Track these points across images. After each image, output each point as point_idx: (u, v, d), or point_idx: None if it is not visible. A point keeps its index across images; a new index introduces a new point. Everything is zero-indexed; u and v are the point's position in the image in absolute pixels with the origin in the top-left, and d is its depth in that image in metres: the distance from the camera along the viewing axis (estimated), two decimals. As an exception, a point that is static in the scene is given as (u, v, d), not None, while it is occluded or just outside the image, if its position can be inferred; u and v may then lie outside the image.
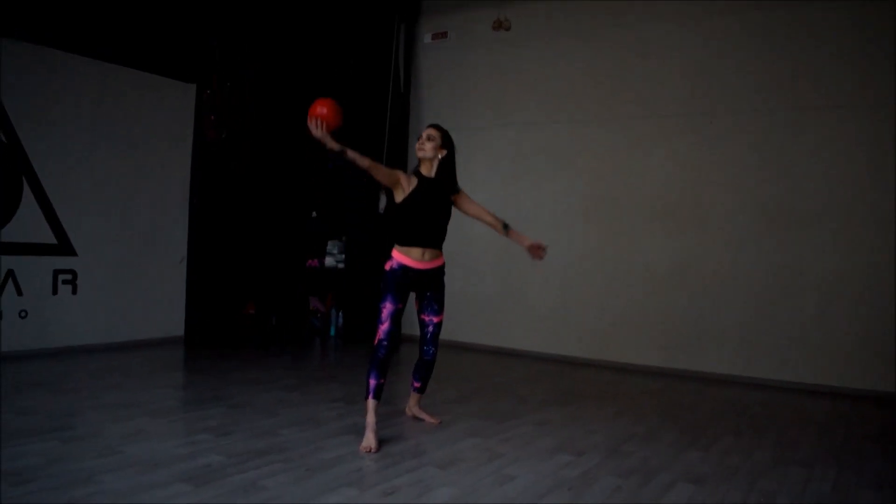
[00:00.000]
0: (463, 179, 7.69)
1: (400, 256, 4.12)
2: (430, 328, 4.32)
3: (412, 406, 4.61)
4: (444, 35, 8.00)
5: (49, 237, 6.15)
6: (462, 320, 7.83)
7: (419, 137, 4.20)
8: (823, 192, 6.16)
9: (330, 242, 8.20)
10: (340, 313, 8.22)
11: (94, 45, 6.39)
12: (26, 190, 6.00)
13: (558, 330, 7.33)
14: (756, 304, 6.40)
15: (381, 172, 4.02)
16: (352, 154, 3.84)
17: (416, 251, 4.11)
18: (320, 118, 3.77)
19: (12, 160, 5.90)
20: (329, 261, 8.17)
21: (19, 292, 5.96)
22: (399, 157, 7.97)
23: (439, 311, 4.29)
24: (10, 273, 5.90)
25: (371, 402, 4.02)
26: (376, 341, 4.06)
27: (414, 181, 4.11)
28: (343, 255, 8.08)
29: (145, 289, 6.86)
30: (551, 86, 7.42)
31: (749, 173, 6.46)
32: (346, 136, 7.91)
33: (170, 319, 7.10)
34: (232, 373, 5.78)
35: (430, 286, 4.23)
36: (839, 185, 6.10)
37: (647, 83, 6.92)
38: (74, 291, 6.33)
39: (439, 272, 4.24)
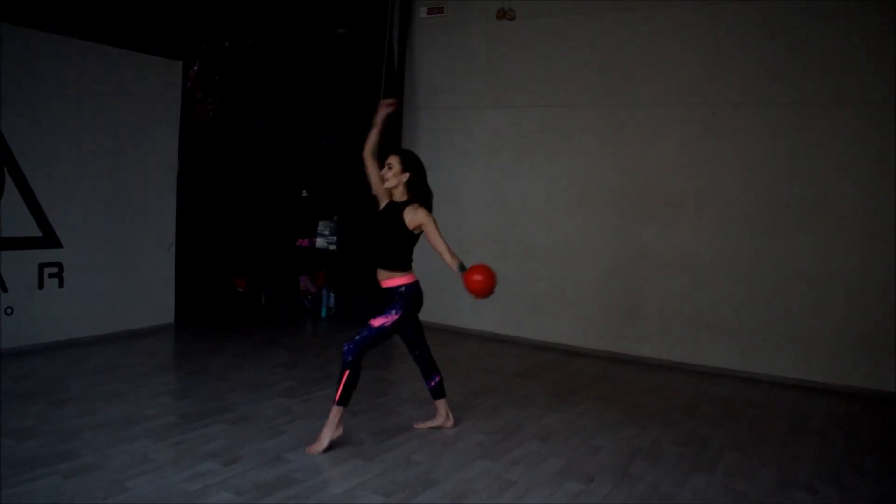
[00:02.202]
0: (459, 160, 7.64)
1: None
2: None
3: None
4: (440, 11, 7.71)
5: (33, 230, 5.94)
6: (455, 305, 7.77)
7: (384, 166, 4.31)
8: (831, 185, 6.11)
9: (321, 223, 8.05)
10: (332, 294, 8.12)
11: (72, 23, 6.08)
12: (8, 181, 5.76)
13: (552, 317, 7.29)
14: (754, 297, 6.38)
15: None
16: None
17: (378, 272, 4.35)
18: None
19: (-7, 151, 5.66)
20: (320, 241, 8.03)
21: (4, 289, 5.78)
22: (392, 135, 7.76)
23: (376, 317, 4.25)
24: (-5, 269, 5.72)
25: None
26: None
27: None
28: (335, 237, 7.93)
29: (134, 277, 6.69)
30: (552, 66, 7.21)
31: (755, 165, 6.37)
32: (341, 112, 7.77)
33: (160, 306, 6.96)
34: (228, 373, 5.68)
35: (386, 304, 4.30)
36: (847, 180, 6.04)
37: (653, 69, 6.73)
38: (61, 285, 6.16)
39: (392, 294, 4.27)
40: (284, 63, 7.95)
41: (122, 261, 6.56)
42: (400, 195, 4.30)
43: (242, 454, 4.03)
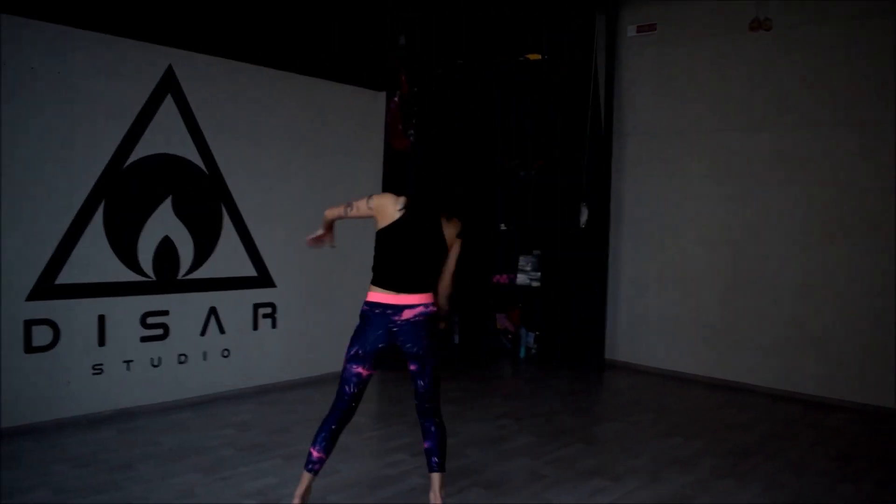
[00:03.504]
0: (674, 189, 6.96)
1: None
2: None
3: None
4: (651, 28, 7.08)
5: (249, 269, 5.74)
6: (675, 347, 7.02)
7: None
8: None
9: (522, 258, 7.53)
10: (531, 334, 7.57)
11: (283, 56, 5.91)
12: (226, 220, 5.58)
13: (792, 363, 6.38)
14: None
15: (360, 208, 3.44)
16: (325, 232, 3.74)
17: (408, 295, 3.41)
18: None
19: (213, 189, 5.49)
20: (521, 278, 7.50)
21: (221, 330, 5.58)
22: (600, 164, 7.18)
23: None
24: (213, 311, 5.52)
25: None
26: None
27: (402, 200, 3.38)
28: (539, 273, 7.39)
29: (339, 318, 6.33)
30: (784, 82, 6.39)
31: None
32: (545, 145, 7.26)
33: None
34: (452, 425, 5.16)
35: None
36: None
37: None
38: (274, 325, 5.92)
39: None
40: (482, 92, 7.55)
41: (327, 302, 6.27)
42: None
43: (515, 530, 3.50)
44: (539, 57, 7.55)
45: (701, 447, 4.88)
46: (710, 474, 4.38)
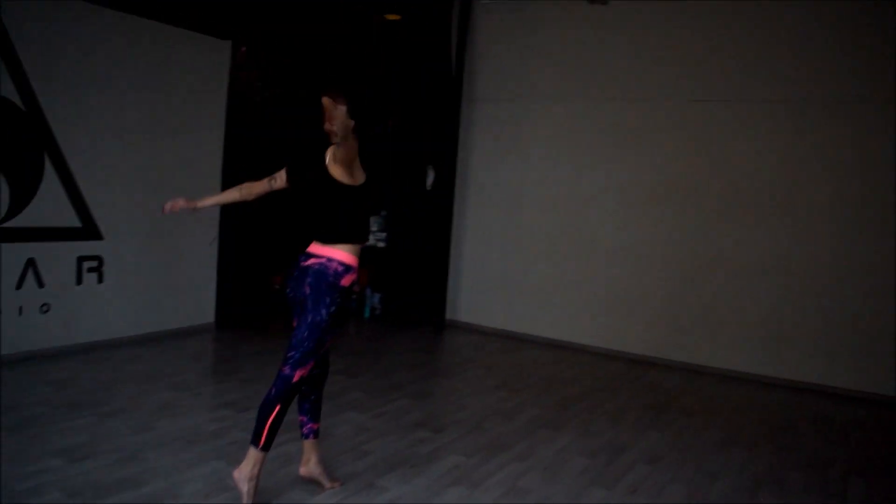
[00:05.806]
0: (520, 154, 7.14)
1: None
2: None
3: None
4: (503, -7, 7.19)
5: (73, 220, 5.43)
6: (514, 309, 7.26)
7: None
8: None
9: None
10: (377, 294, 7.61)
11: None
12: (48, 165, 5.25)
13: (619, 324, 6.76)
14: (843, 307, 5.89)
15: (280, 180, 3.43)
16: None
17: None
18: None
19: (33, 131, 5.13)
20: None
21: (40, 284, 5.26)
22: (448, 127, 7.25)
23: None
24: (31, 262, 5.19)
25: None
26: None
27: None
28: (384, 234, 7.42)
29: (174, 273, 6.16)
30: (628, 59, 6.65)
31: (840, 166, 5.92)
32: (398, 106, 7.22)
33: (200, 305, 6.43)
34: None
35: None
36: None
37: (735, 64, 6.22)
38: (100, 280, 5.64)
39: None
40: (332, 49, 7.43)
41: (162, 256, 6.03)
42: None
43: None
44: (398, 18, 7.52)
45: (524, 399, 5.12)
46: (530, 423, 4.60)
